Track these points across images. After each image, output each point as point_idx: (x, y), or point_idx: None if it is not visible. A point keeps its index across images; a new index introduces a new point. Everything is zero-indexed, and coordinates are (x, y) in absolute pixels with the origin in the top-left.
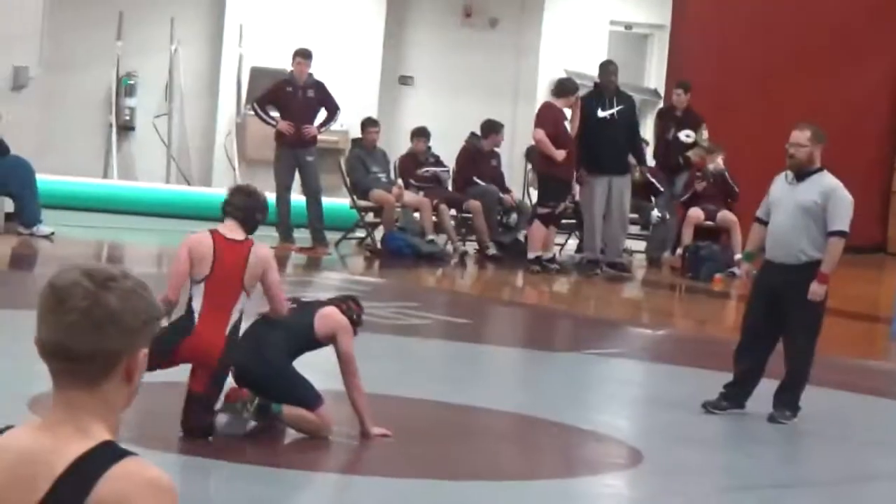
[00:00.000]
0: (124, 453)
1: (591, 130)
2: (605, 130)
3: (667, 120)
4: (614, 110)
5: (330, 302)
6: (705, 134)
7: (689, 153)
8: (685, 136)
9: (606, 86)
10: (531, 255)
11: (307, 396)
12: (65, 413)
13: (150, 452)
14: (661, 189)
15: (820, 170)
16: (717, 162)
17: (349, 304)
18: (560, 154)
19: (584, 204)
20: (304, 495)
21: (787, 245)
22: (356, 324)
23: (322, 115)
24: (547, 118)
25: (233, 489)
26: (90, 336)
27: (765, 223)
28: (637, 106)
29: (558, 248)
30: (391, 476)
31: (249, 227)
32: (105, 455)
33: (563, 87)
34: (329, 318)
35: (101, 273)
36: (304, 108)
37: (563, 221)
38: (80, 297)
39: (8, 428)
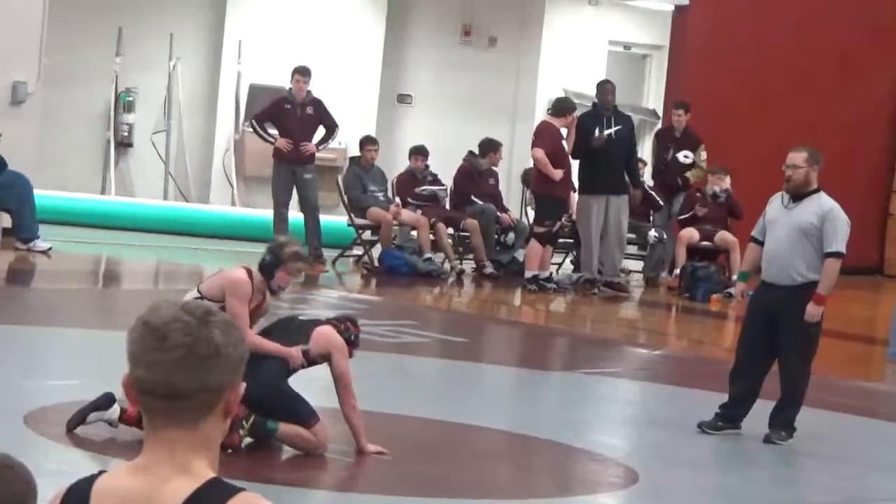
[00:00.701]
0: (236, 489)
1: (589, 150)
2: (603, 150)
3: (665, 140)
4: (612, 130)
5: (327, 322)
6: (703, 155)
7: (688, 174)
8: (684, 156)
9: (604, 105)
10: (528, 275)
11: (303, 413)
12: (164, 453)
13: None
14: (661, 203)
15: (816, 191)
16: (725, 181)
17: (346, 325)
18: (558, 174)
19: (582, 223)
20: None
21: (783, 266)
22: (353, 344)
23: (320, 132)
24: (545, 137)
25: None
26: (195, 372)
27: (760, 243)
28: (635, 126)
29: (555, 267)
30: (386, 494)
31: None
32: (218, 491)
33: (561, 106)
34: (324, 337)
35: (199, 307)
36: (302, 125)
37: (560, 241)
38: (184, 334)
39: (102, 473)
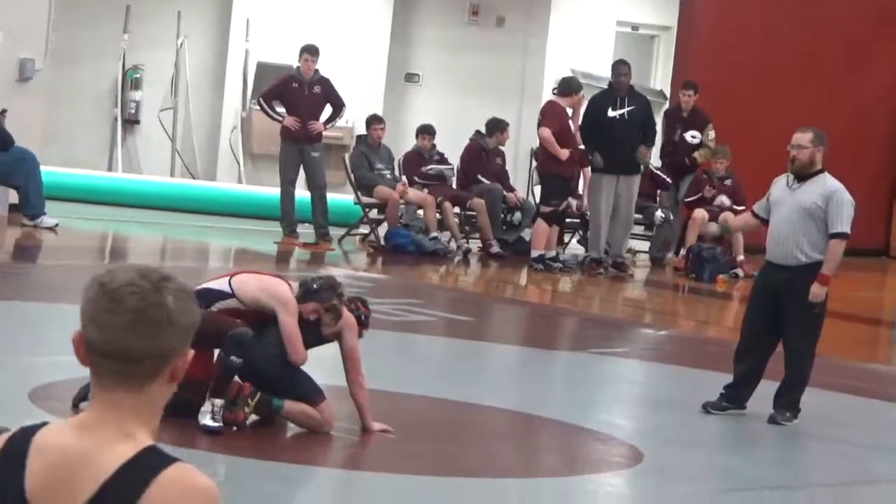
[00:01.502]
0: (171, 459)
1: (601, 129)
2: (615, 130)
3: (673, 121)
4: (625, 110)
5: None
6: (712, 134)
7: (696, 154)
8: (691, 136)
9: (618, 85)
10: (534, 254)
11: (308, 391)
12: (108, 414)
13: None
14: (669, 181)
15: (821, 171)
16: (725, 163)
17: (357, 304)
18: (564, 153)
19: (591, 202)
20: (304, 491)
21: (788, 246)
22: (363, 325)
23: (328, 111)
24: (552, 117)
25: (232, 484)
26: (146, 336)
27: (759, 217)
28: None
29: (562, 247)
30: (391, 472)
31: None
32: (153, 460)
33: (567, 86)
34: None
35: (156, 273)
36: (310, 104)
37: (567, 220)
38: (138, 298)
39: (44, 424)
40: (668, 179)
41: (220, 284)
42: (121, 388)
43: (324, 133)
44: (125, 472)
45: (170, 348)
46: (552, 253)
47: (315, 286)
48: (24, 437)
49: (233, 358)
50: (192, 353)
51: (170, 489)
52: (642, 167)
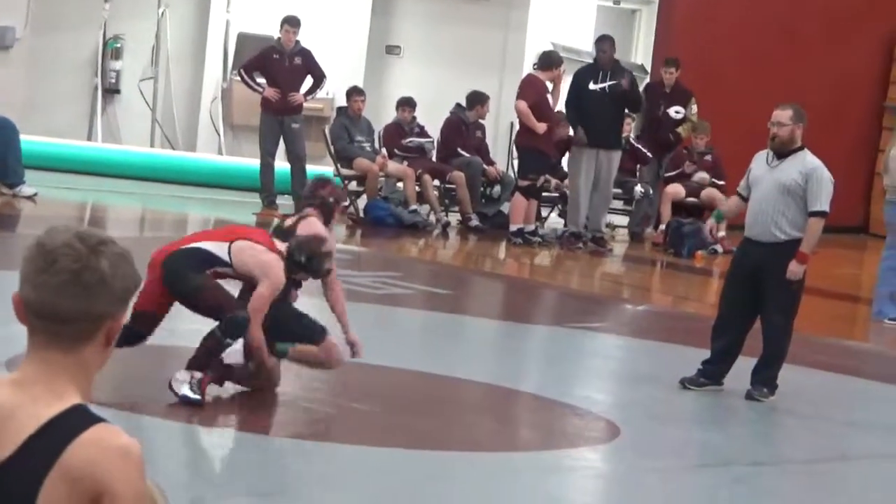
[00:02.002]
0: (96, 419)
1: (582, 103)
2: (596, 104)
3: (656, 96)
4: (606, 84)
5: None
6: (695, 109)
7: (679, 129)
8: (675, 111)
9: (601, 60)
10: (513, 228)
11: (312, 331)
12: (40, 372)
13: (119, 414)
14: (649, 156)
15: (801, 148)
16: (704, 139)
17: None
18: (541, 126)
19: (571, 177)
20: (282, 461)
21: (766, 223)
22: (336, 207)
23: (308, 82)
24: (529, 90)
25: (212, 453)
26: (79, 298)
27: (743, 198)
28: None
29: (541, 221)
30: (368, 445)
31: None
32: (77, 419)
33: (547, 60)
34: (311, 226)
35: (93, 237)
36: (290, 75)
37: (546, 194)
38: (72, 259)
39: None
40: (648, 153)
41: (220, 250)
42: (53, 348)
43: (304, 104)
44: (49, 429)
45: (103, 311)
46: (531, 227)
47: (302, 260)
48: None
49: (228, 340)
50: (123, 318)
51: (90, 448)
52: (623, 142)
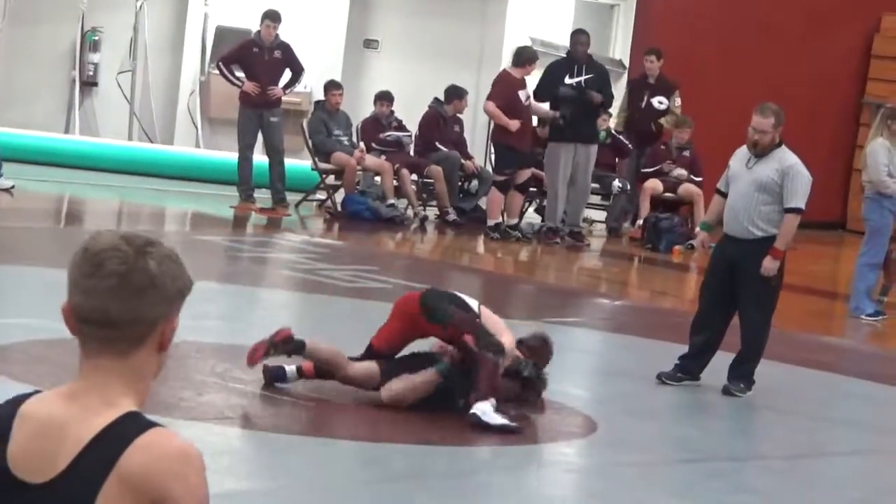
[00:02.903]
0: (150, 424)
1: (557, 97)
2: (573, 98)
3: (640, 88)
4: (582, 78)
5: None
6: (678, 101)
7: (662, 120)
8: (658, 102)
9: (576, 54)
10: (490, 223)
11: None
12: (94, 381)
13: None
14: (631, 147)
15: (779, 145)
16: (686, 134)
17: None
18: (514, 124)
19: (548, 171)
20: (264, 457)
21: (743, 220)
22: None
23: (287, 76)
24: (499, 89)
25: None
26: (129, 301)
27: (724, 195)
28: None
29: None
30: (345, 438)
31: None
32: (131, 425)
33: (521, 57)
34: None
35: (139, 238)
36: (269, 69)
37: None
38: (119, 262)
39: (35, 392)
40: (630, 145)
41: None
42: (105, 355)
43: (282, 98)
44: (103, 437)
45: (155, 314)
46: (513, 221)
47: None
48: (11, 407)
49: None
50: (177, 321)
51: (147, 452)
52: (602, 134)
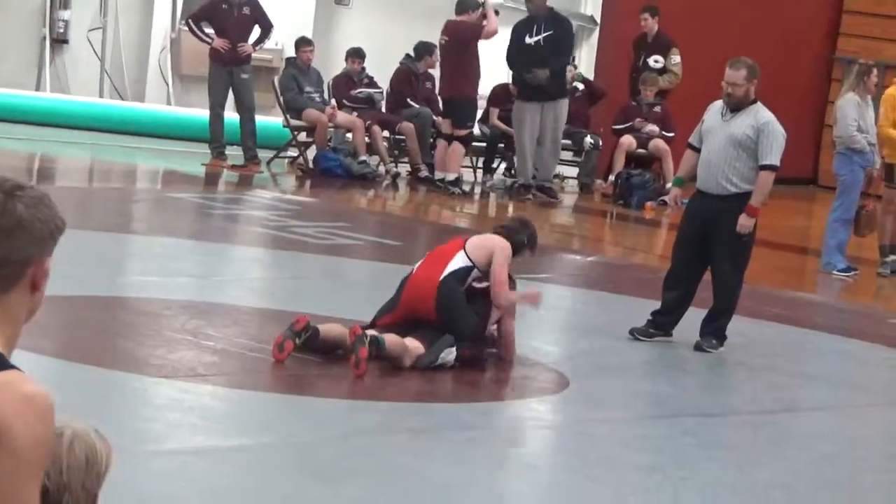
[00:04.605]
0: (9, 366)
1: (521, 57)
2: (534, 57)
3: (637, 47)
4: (541, 37)
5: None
6: (675, 59)
7: (660, 79)
8: (654, 61)
9: (532, 11)
10: (450, 178)
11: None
12: None
13: (69, 365)
14: (604, 89)
15: (754, 102)
16: (653, 91)
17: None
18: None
19: (516, 129)
20: (225, 410)
21: (717, 176)
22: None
23: (256, 32)
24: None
25: (160, 402)
26: None
27: (697, 150)
28: (574, 30)
29: (490, 173)
30: (316, 396)
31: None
32: None
33: (463, 5)
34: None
35: (8, 182)
36: (239, 25)
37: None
38: None
39: None
40: (604, 88)
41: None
42: None
43: (253, 55)
44: None
45: (23, 255)
46: (452, 176)
47: (525, 237)
48: None
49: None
50: (49, 263)
51: None
52: (575, 84)
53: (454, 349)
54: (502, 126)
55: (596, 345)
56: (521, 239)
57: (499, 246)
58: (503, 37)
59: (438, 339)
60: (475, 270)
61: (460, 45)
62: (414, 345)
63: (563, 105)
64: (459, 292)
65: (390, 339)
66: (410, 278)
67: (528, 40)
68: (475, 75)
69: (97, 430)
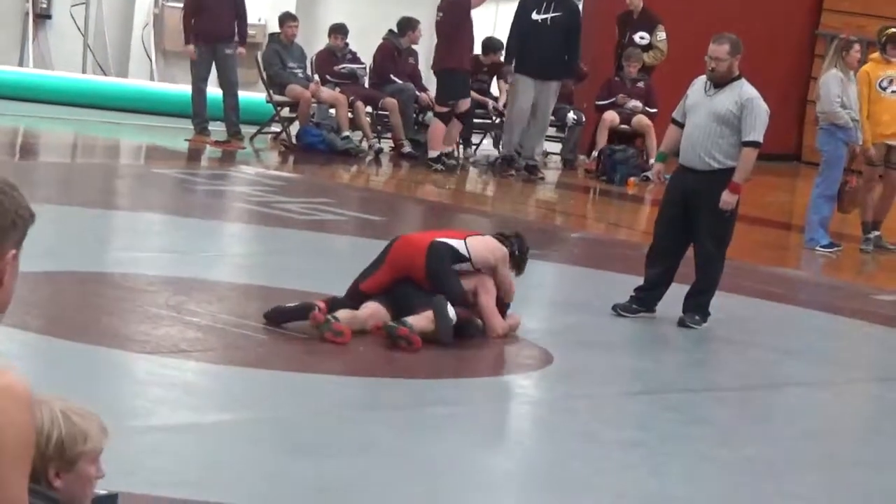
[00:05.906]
0: None
1: (524, 32)
2: (538, 34)
3: (623, 23)
4: (549, 15)
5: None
6: (661, 35)
7: (645, 56)
8: (639, 38)
9: None
10: (432, 154)
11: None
12: None
13: (55, 341)
14: (585, 70)
15: (738, 77)
16: (636, 66)
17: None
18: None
19: (509, 101)
20: (216, 386)
21: (700, 151)
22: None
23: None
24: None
25: (147, 378)
26: None
27: (680, 125)
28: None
29: (475, 147)
30: (300, 371)
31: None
32: None
33: None
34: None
35: None
36: (219, 3)
37: (481, 121)
38: None
39: None
40: (584, 69)
41: (455, 243)
42: None
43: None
44: None
45: None
46: (448, 149)
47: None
48: None
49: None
50: (14, 254)
51: None
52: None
53: (451, 307)
54: (477, 96)
55: (579, 321)
56: (513, 251)
57: (500, 259)
58: (488, 10)
59: (422, 302)
60: (468, 264)
61: (455, 19)
62: (371, 312)
63: (556, 86)
64: (448, 260)
65: (342, 315)
66: (401, 238)
67: (535, 16)
68: (468, 49)
69: (81, 407)
